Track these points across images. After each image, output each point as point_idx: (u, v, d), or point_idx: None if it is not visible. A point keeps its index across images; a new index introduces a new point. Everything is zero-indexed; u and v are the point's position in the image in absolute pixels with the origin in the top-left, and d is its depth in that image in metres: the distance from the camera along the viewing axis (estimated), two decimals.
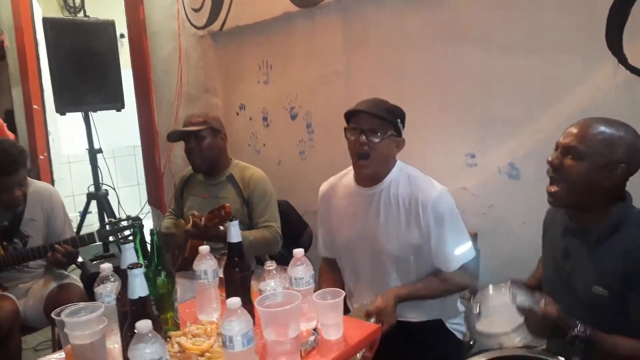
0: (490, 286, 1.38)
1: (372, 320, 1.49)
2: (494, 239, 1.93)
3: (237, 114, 3.15)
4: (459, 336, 1.64)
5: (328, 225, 1.82)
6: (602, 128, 1.25)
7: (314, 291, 1.33)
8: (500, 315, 1.29)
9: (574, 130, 1.28)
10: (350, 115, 1.64)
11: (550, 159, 1.31)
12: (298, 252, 1.36)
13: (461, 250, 1.62)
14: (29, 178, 2.17)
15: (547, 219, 1.51)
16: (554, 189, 1.30)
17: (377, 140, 1.56)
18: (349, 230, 1.71)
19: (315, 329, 1.28)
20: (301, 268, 1.33)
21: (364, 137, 1.56)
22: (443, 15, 2.05)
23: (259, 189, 2.17)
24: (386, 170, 1.65)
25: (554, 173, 1.30)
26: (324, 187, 1.85)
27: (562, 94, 1.74)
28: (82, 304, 1.24)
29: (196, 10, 3.16)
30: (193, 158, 2.18)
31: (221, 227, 1.90)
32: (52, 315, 1.26)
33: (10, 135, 3.18)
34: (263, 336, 1.15)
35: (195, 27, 3.21)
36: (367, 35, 2.37)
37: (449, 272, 1.61)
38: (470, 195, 2.03)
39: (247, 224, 2.13)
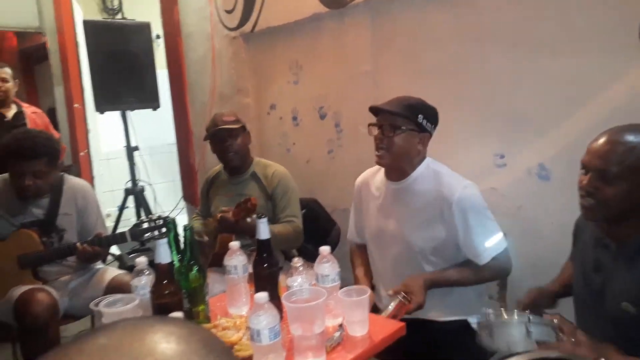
0: (502, 313, 1.27)
1: (399, 298, 1.49)
2: (522, 240, 1.91)
3: (268, 113, 3.20)
4: None
5: (360, 215, 1.88)
6: (631, 138, 1.12)
7: (341, 286, 1.37)
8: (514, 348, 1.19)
9: (600, 147, 1.16)
10: (373, 113, 1.70)
11: (580, 181, 1.21)
12: (324, 249, 1.39)
13: (491, 243, 1.62)
14: (65, 174, 2.26)
15: (577, 227, 1.44)
16: (587, 203, 1.20)
17: (391, 134, 1.62)
18: (378, 222, 1.76)
19: (340, 325, 1.31)
20: (327, 265, 1.36)
21: (380, 132, 1.64)
22: (471, 14, 2.04)
23: (281, 185, 2.22)
24: (410, 165, 1.68)
25: (588, 197, 1.19)
26: (359, 179, 1.92)
27: (593, 94, 1.71)
28: (118, 296, 1.31)
29: (229, 12, 3.23)
30: (229, 155, 2.24)
31: (248, 220, 1.96)
32: (90, 305, 1.33)
33: (55, 134, 3.32)
34: (290, 331, 1.18)
35: (227, 28, 3.28)
36: (395, 35, 2.38)
37: (481, 264, 1.62)
38: (499, 196, 2.02)
39: (272, 219, 2.18)
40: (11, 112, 3.09)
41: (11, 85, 3.06)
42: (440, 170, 1.68)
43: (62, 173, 2.23)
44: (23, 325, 1.90)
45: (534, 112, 1.89)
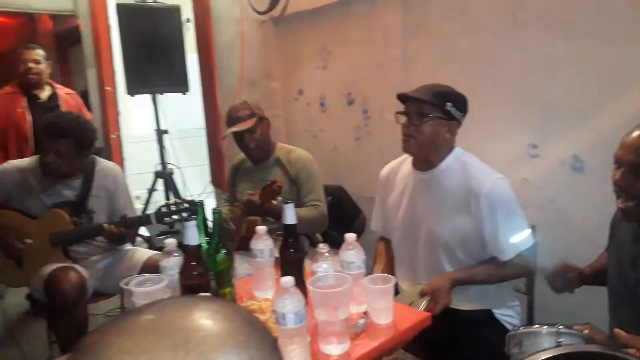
0: (532, 328, 1.25)
1: (427, 299, 1.50)
2: (553, 233, 1.87)
3: (296, 99, 3.19)
4: (509, 327, 1.63)
5: (385, 206, 1.86)
6: None
7: (366, 274, 1.37)
8: None
9: (633, 141, 1.13)
10: (401, 100, 1.68)
11: (613, 176, 1.19)
12: (350, 236, 1.39)
13: (517, 239, 1.59)
14: (97, 157, 2.31)
15: (615, 220, 1.41)
16: (624, 205, 1.18)
17: (418, 122, 1.60)
18: (404, 213, 1.75)
19: (365, 313, 1.31)
20: (353, 252, 1.36)
21: (407, 120, 1.62)
22: None
23: (304, 169, 2.23)
24: (438, 154, 1.65)
25: (622, 192, 1.17)
26: (385, 169, 1.90)
27: (632, 83, 1.64)
28: (148, 276, 1.34)
29: None
30: (249, 152, 2.27)
31: (274, 202, 1.98)
32: (120, 284, 1.37)
33: (88, 115, 3.38)
34: (314, 316, 1.19)
35: (257, 12, 3.27)
36: (426, 19, 2.33)
37: (505, 260, 1.60)
38: (530, 187, 1.97)
39: (296, 204, 2.19)
40: (45, 93, 3.14)
41: (44, 67, 3.11)
42: (470, 162, 1.65)
43: (93, 156, 2.27)
44: (53, 302, 1.97)
45: (570, 101, 1.83)
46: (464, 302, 1.63)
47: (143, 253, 2.30)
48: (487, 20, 2.07)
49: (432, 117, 1.59)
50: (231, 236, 2.16)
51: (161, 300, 0.44)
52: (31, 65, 3.04)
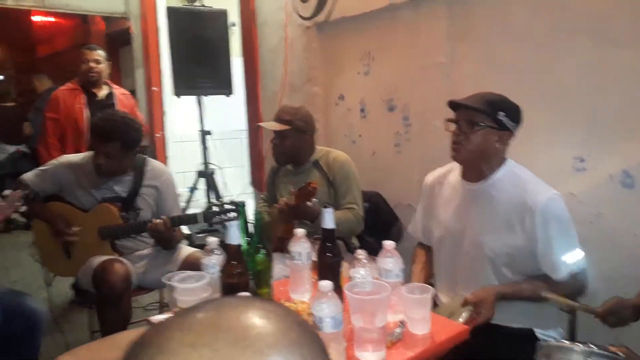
0: (565, 343, 1.22)
1: (469, 309, 1.47)
2: (599, 250, 1.80)
3: (336, 104, 3.21)
4: None
5: (429, 215, 1.83)
6: None
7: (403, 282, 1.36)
8: None
9: None
10: (452, 108, 1.66)
11: None
12: (389, 244, 1.39)
13: (571, 259, 1.54)
14: (148, 157, 2.40)
15: None
16: None
17: (468, 131, 1.57)
18: (450, 224, 1.71)
19: (401, 322, 1.31)
20: (391, 260, 1.36)
21: (457, 128, 1.60)
22: (556, 5, 1.93)
23: (342, 171, 2.24)
24: (488, 164, 1.61)
25: None
26: (430, 176, 1.87)
27: None
28: (190, 273, 1.39)
29: (304, 1, 3.26)
30: (275, 153, 2.30)
31: (309, 203, 1.99)
32: (163, 279, 1.42)
33: (139, 116, 3.50)
34: (351, 321, 1.20)
35: (301, 17, 3.31)
36: (472, 26, 2.30)
37: (557, 279, 1.55)
38: (576, 202, 1.91)
39: (333, 206, 2.20)
40: (103, 92, 3.28)
41: (104, 67, 3.25)
42: (524, 176, 1.60)
43: (144, 156, 2.35)
44: (100, 292, 2.06)
45: (620, 113, 1.77)
46: (506, 318, 1.59)
47: (183, 250, 2.36)
48: (532, 28, 2.02)
49: (483, 125, 1.55)
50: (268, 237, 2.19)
51: (217, 298, 0.47)
52: (92, 64, 3.18)
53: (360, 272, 1.37)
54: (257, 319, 0.42)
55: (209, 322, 0.42)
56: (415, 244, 1.95)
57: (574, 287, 1.56)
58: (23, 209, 1.93)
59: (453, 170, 1.78)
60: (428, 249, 1.87)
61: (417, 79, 2.61)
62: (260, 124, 2.36)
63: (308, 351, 0.42)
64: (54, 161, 2.31)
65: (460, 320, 1.44)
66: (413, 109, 2.68)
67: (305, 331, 0.44)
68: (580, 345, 1.17)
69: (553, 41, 1.95)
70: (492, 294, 1.51)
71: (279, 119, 2.25)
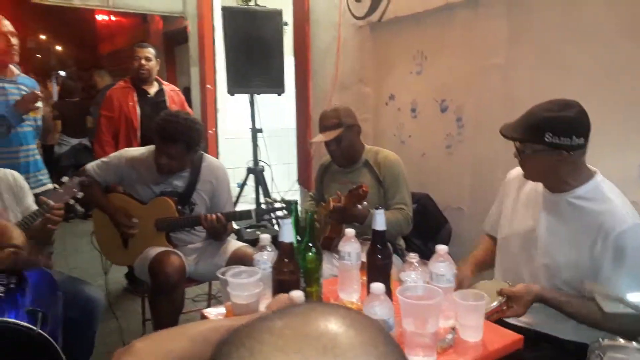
0: (620, 342, 1.17)
1: (501, 299, 1.44)
2: None
3: (386, 103, 3.19)
4: None
5: (502, 210, 1.78)
6: None
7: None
8: None
9: None
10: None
11: None
12: (442, 248, 1.37)
13: (633, 298, 1.39)
14: (205, 154, 2.46)
15: None
16: None
17: (521, 158, 1.54)
18: (519, 226, 1.66)
19: (453, 328, 1.29)
20: (444, 265, 1.33)
21: (515, 152, 1.56)
22: (622, 4, 1.83)
23: (392, 171, 2.22)
24: (563, 181, 1.52)
25: None
26: (513, 173, 1.79)
27: None
28: (243, 268, 1.41)
29: (358, 1, 3.25)
30: (335, 159, 2.29)
31: (359, 206, 1.99)
32: (217, 273, 1.45)
33: (190, 112, 3.60)
34: (402, 325, 1.19)
35: (355, 17, 3.30)
36: (533, 26, 2.22)
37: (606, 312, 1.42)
38: None
39: (382, 206, 2.18)
40: (153, 89, 3.39)
41: (154, 64, 3.36)
42: (610, 196, 1.48)
43: (201, 152, 2.42)
44: (155, 282, 2.13)
45: None
46: (561, 330, 1.53)
47: (232, 244, 2.41)
48: (598, 29, 1.93)
49: (530, 152, 1.49)
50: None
51: (304, 304, 0.48)
52: (143, 62, 3.29)
53: (411, 275, 1.36)
54: (345, 328, 0.43)
55: (298, 328, 0.43)
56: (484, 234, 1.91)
57: (622, 327, 1.39)
58: (80, 195, 2.00)
59: None
60: (495, 241, 1.83)
61: (472, 80, 2.55)
62: (311, 140, 2.37)
63: None
64: (117, 154, 2.42)
65: (491, 306, 1.40)
66: (467, 111, 2.62)
67: (391, 343, 0.44)
68: (635, 343, 1.11)
69: (619, 43, 1.86)
70: (532, 293, 1.45)
71: (326, 127, 2.23)
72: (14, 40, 2.60)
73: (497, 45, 2.39)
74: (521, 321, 1.53)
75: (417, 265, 1.39)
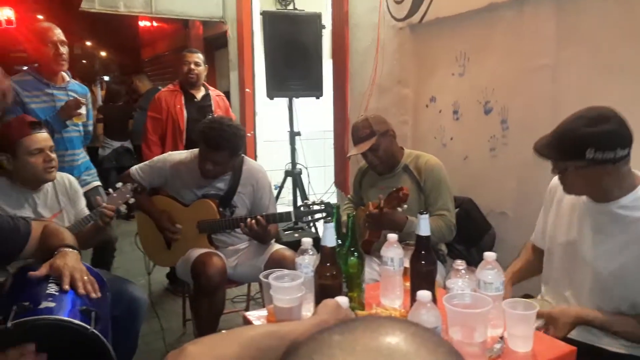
0: None
1: (540, 322, 1.39)
2: None
3: (427, 105, 3.13)
4: None
5: (547, 219, 1.72)
6: None
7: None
8: None
9: None
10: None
11: None
12: (490, 255, 1.32)
13: None
14: (245, 157, 2.48)
15: None
16: None
17: (560, 175, 1.48)
18: (565, 235, 1.60)
19: (501, 338, 1.24)
20: (492, 273, 1.29)
21: (552, 168, 1.50)
22: None
23: (433, 176, 2.17)
24: (607, 191, 1.45)
25: None
26: (556, 180, 1.69)
27: None
28: (285, 271, 1.41)
29: (398, 3, 3.22)
30: (374, 168, 2.26)
31: (399, 209, 1.95)
32: (260, 276, 1.45)
33: (233, 117, 3.65)
34: (448, 333, 1.15)
35: (395, 19, 3.27)
36: (584, 25, 2.13)
37: None
38: None
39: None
40: (200, 94, 3.45)
41: (202, 69, 3.42)
42: None
43: (242, 155, 2.45)
44: (197, 283, 2.16)
45: None
46: (613, 343, 1.46)
47: (270, 246, 2.42)
48: None
49: (572, 170, 1.43)
50: None
51: (371, 317, 0.47)
52: (192, 66, 3.34)
53: (457, 283, 1.32)
54: (416, 347, 0.41)
55: (370, 344, 0.41)
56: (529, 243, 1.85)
57: None
58: (132, 201, 2.08)
59: None
60: (540, 252, 1.76)
61: (518, 82, 2.47)
62: (349, 154, 2.35)
63: None
64: (161, 157, 2.47)
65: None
66: (512, 113, 2.54)
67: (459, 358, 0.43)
68: None
69: None
70: (571, 317, 1.40)
71: (360, 139, 2.20)
72: (63, 49, 2.69)
73: (545, 46, 2.31)
74: (572, 333, 1.47)
75: (464, 272, 1.35)
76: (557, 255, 1.63)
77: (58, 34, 2.71)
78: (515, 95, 2.50)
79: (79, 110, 2.63)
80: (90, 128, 3.00)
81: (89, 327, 1.25)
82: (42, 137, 1.97)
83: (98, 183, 2.88)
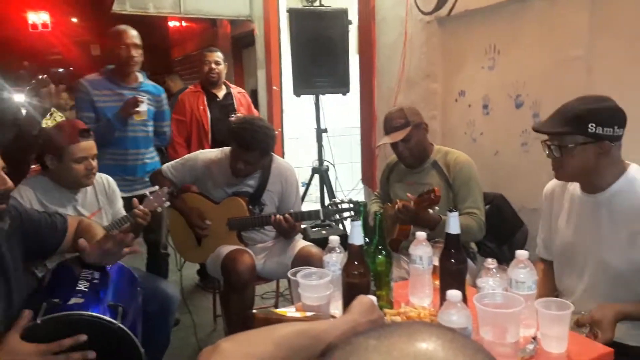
0: None
1: (585, 330, 1.35)
2: None
3: (456, 100, 3.08)
4: None
5: (550, 226, 1.71)
6: None
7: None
8: None
9: None
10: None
11: None
12: (522, 254, 1.30)
13: None
14: (274, 155, 2.50)
15: None
16: None
17: (558, 154, 1.48)
18: (569, 236, 1.59)
19: (534, 338, 1.22)
20: (524, 271, 1.26)
21: (550, 152, 1.51)
22: None
23: (462, 173, 2.13)
24: (601, 177, 1.48)
25: None
26: (549, 186, 1.75)
27: None
28: (313, 269, 1.41)
29: None
30: (404, 160, 2.23)
31: (430, 211, 1.92)
32: (289, 274, 1.46)
33: (256, 113, 3.67)
34: (479, 333, 1.13)
35: (422, 12, 3.22)
36: (618, 16, 2.05)
37: None
38: None
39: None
40: (222, 92, 3.46)
41: (223, 68, 3.43)
42: None
43: (271, 153, 2.47)
44: (228, 280, 2.19)
45: None
46: (633, 335, 1.42)
47: (298, 243, 2.43)
48: None
49: (573, 146, 1.44)
50: None
51: (407, 322, 0.47)
52: (213, 66, 3.35)
53: (488, 282, 1.30)
54: (453, 353, 0.41)
55: (407, 349, 0.41)
56: (537, 260, 1.79)
57: None
58: (167, 204, 2.13)
59: None
60: (549, 265, 1.72)
61: (550, 74, 2.40)
62: (380, 143, 2.32)
63: None
64: (192, 155, 2.52)
65: None
66: (544, 106, 2.47)
67: None
68: None
69: None
70: (612, 313, 1.36)
71: (394, 128, 2.17)
72: (135, 52, 2.75)
73: (578, 37, 2.24)
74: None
75: (495, 271, 1.32)
76: (566, 261, 1.61)
77: (131, 36, 2.77)
78: (548, 88, 2.43)
79: (137, 109, 2.65)
80: (166, 129, 3.02)
81: (115, 321, 1.29)
82: (89, 145, 2.03)
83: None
